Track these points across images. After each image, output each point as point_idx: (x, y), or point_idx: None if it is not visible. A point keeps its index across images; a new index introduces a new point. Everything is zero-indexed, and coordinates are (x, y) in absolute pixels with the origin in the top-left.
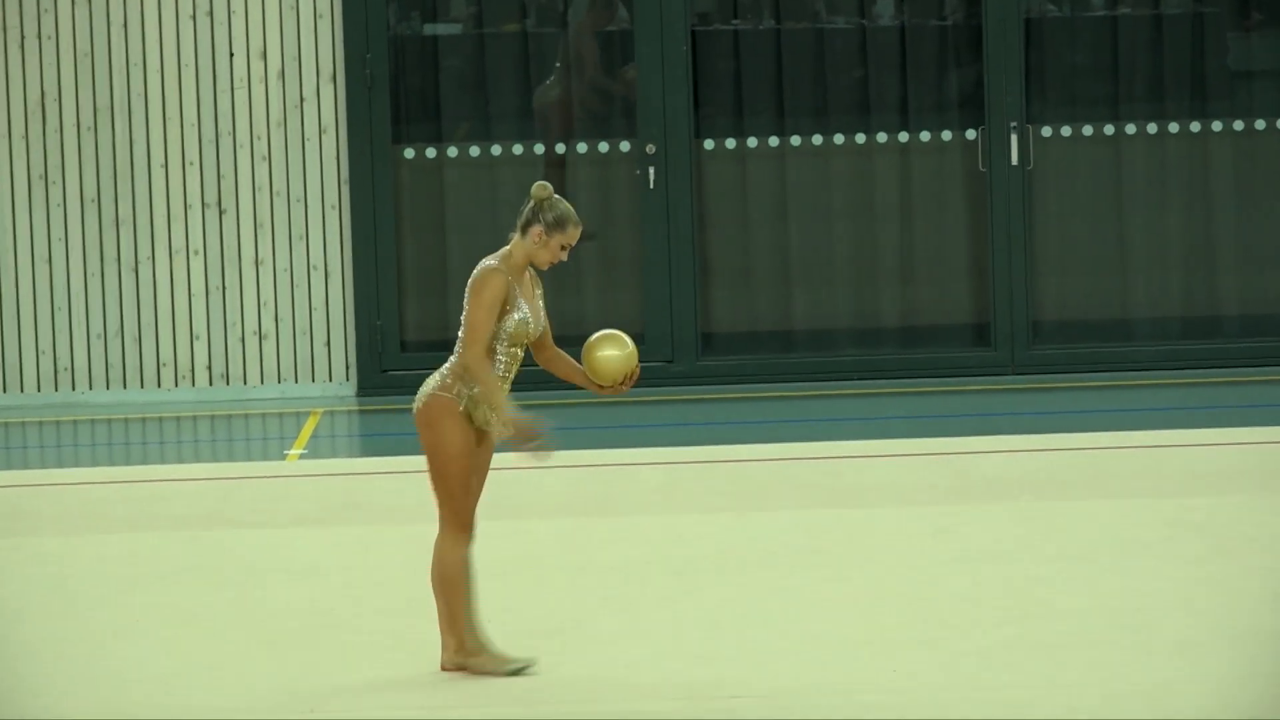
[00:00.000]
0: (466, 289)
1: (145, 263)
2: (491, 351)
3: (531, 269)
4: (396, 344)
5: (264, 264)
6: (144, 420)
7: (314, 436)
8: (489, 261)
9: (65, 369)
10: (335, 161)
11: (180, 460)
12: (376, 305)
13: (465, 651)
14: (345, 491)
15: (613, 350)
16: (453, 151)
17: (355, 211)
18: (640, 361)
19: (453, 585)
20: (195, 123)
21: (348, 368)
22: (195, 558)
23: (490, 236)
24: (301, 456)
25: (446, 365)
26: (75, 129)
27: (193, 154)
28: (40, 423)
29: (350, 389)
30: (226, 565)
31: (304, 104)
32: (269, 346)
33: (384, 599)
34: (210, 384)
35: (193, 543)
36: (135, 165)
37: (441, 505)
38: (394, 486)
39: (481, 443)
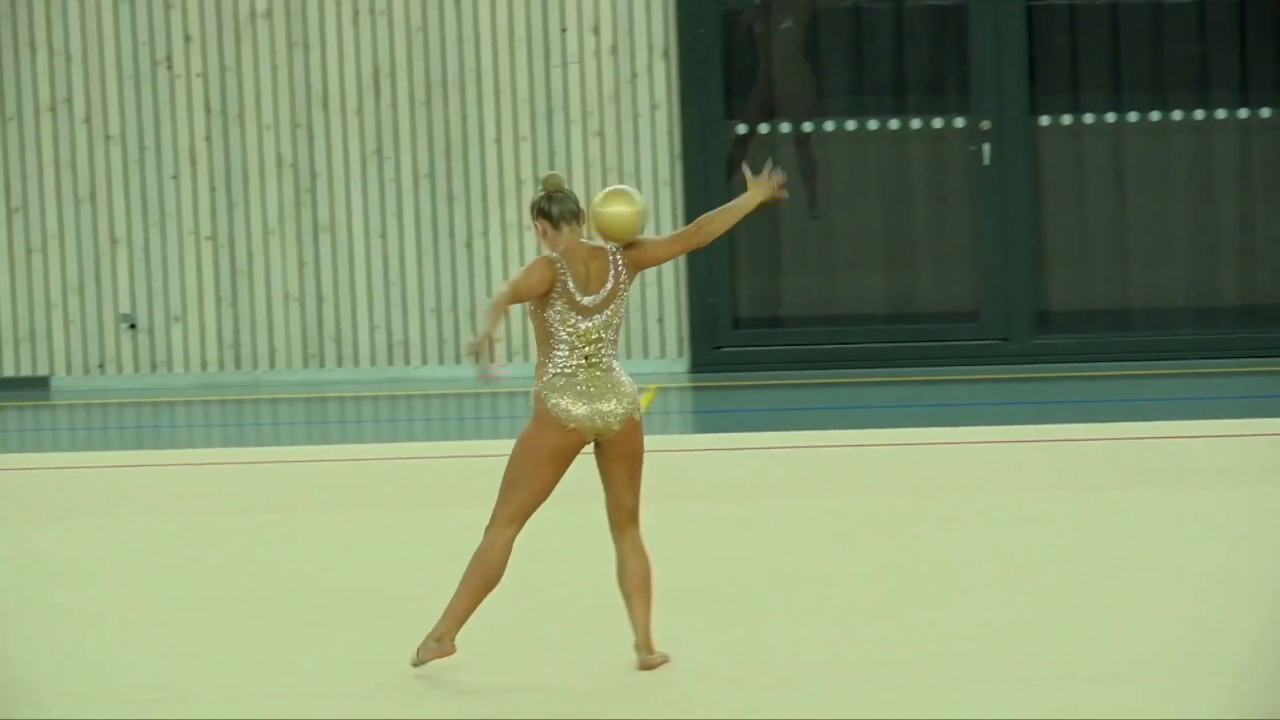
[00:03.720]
0: None
1: (479, 238)
2: (556, 337)
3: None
4: (729, 321)
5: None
6: (476, 396)
7: (648, 413)
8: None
9: (399, 343)
10: (668, 137)
11: (512, 436)
12: (710, 282)
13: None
14: (680, 468)
15: (622, 206)
16: (784, 128)
17: (688, 187)
18: (976, 339)
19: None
20: (528, 98)
21: (680, 343)
22: (527, 533)
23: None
24: None
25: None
26: (409, 104)
27: (525, 129)
28: (375, 397)
29: (683, 365)
30: (557, 542)
31: (636, 79)
32: None
33: (718, 574)
34: None
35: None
36: (468, 141)
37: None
38: (729, 463)
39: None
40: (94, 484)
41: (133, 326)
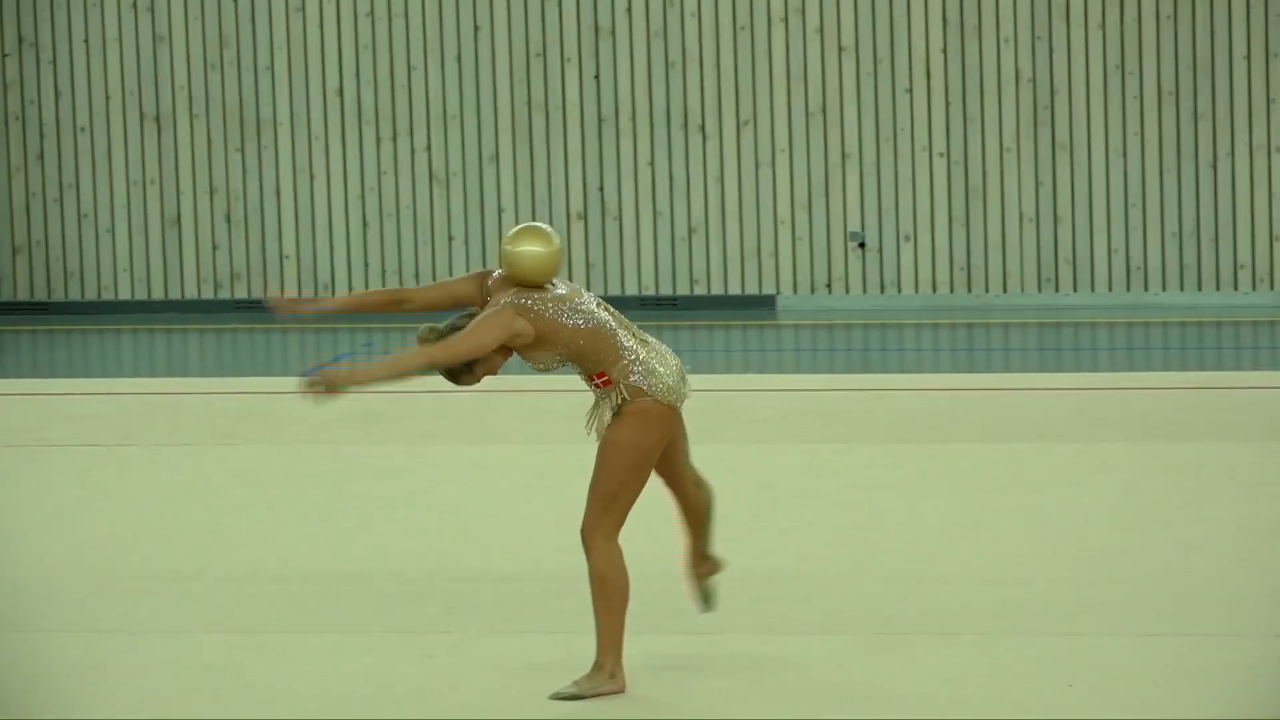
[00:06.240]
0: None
1: (1224, 159)
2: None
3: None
4: None
5: None
6: (1218, 324)
7: None
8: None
9: (1138, 268)
10: None
11: (1256, 367)
12: None
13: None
14: None
15: (534, 246)
16: None
17: None
18: None
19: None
20: None
21: None
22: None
23: None
24: None
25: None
26: (1154, 17)
27: (1276, 45)
28: (1110, 324)
29: None
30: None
31: None
32: None
33: None
34: None
35: (1271, 455)
36: (1215, 56)
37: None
38: None
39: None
40: (820, 407)
41: (861, 245)
